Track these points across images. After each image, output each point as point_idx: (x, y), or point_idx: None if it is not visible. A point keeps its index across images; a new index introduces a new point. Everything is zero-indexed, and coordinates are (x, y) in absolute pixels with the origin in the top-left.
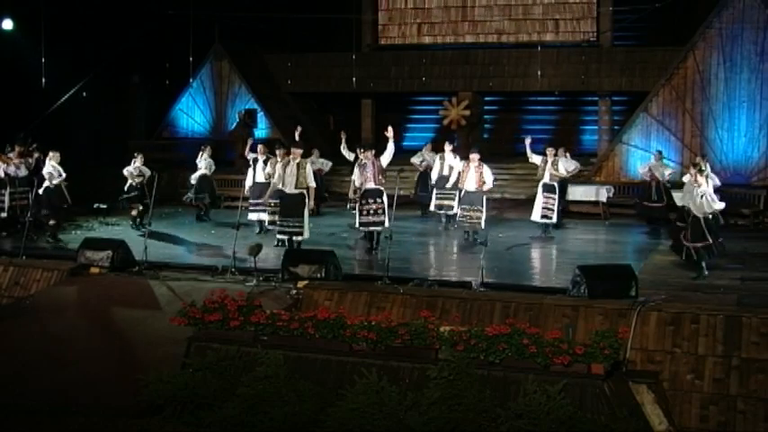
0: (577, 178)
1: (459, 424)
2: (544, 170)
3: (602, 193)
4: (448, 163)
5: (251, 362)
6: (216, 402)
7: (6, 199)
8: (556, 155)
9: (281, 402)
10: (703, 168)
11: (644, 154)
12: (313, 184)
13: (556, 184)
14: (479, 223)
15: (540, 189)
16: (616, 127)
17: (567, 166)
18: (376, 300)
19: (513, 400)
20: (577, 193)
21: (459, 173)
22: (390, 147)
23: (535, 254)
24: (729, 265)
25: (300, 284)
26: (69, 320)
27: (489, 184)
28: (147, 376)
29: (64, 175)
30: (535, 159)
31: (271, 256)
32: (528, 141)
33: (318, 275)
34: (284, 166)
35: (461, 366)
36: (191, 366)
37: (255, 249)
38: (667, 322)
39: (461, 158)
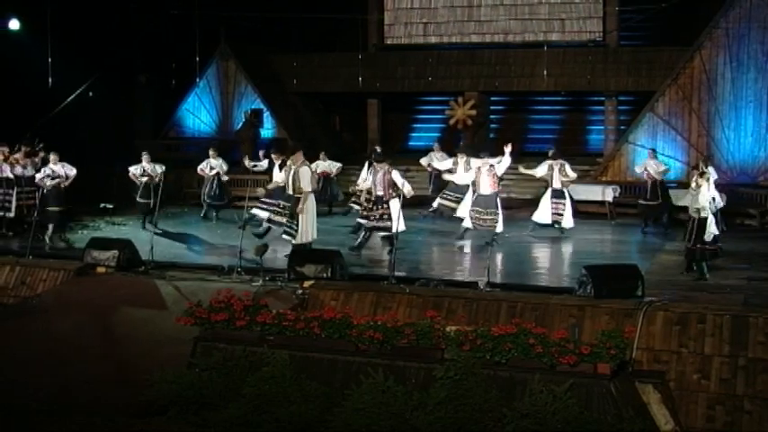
0: (584, 178)
1: (465, 424)
2: (552, 177)
3: (609, 193)
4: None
5: (257, 362)
6: (221, 402)
7: (13, 199)
8: (561, 161)
9: (287, 402)
10: (705, 171)
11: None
12: (308, 189)
13: (565, 190)
14: (495, 226)
15: (549, 194)
16: (622, 127)
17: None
18: (382, 300)
19: (519, 400)
20: (584, 192)
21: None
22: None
23: (541, 254)
24: (736, 264)
25: (306, 284)
26: (75, 320)
27: (506, 164)
28: (153, 376)
29: (72, 173)
30: (540, 172)
31: (277, 256)
32: (522, 168)
33: (324, 275)
34: (286, 172)
35: (467, 366)
36: (196, 366)
37: (262, 249)
38: (674, 322)
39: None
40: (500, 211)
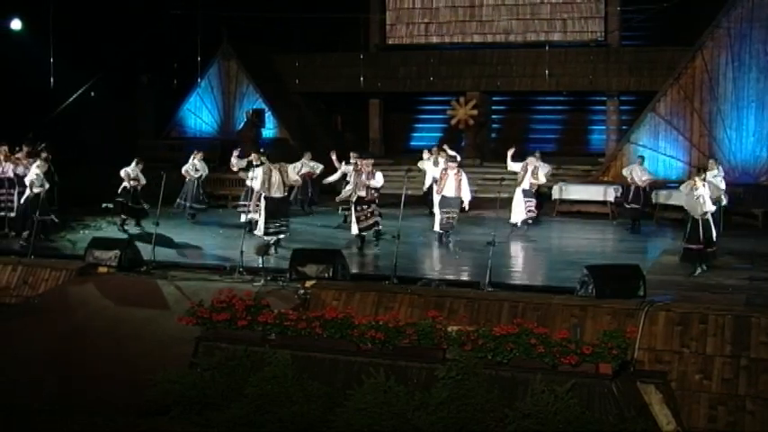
0: (585, 178)
1: (466, 424)
2: (524, 178)
3: (610, 193)
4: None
5: (259, 362)
6: (224, 402)
7: (15, 199)
8: (539, 161)
9: (289, 402)
10: (709, 170)
11: (652, 154)
12: (296, 178)
13: (533, 190)
14: (454, 223)
15: (519, 194)
16: (624, 127)
17: (545, 171)
18: (384, 300)
19: (520, 400)
20: (585, 192)
21: (438, 179)
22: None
23: (543, 254)
24: (738, 264)
25: (308, 284)
26: (77, 320)
27: (467, 197)
28: (155, 376)
29: (47, 186)
30: (515, 167)
31: (278, 256)
32: (510, 152)
33: (326, 275)
34: (268, 174)
35: (469, 366)
36: (198, 366)
37: (263, 249)
38: (675, 322)
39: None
40: (458, 211)
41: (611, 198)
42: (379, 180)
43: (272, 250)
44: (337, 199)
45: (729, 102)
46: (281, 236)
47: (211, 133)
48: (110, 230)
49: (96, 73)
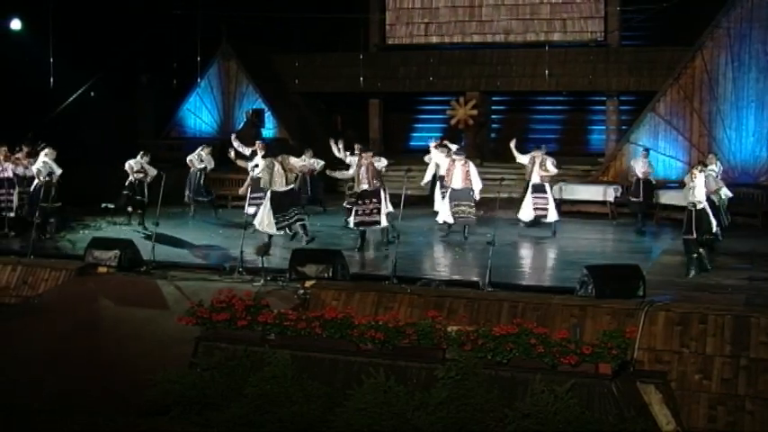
0: (585, 178)
1: (466, 424)
2: (532, 171)
3: (610, 193)
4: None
5: (258, 362)
6: (223, 402)
7: (15, 198)
8: (544, 154)
9: (289, 402)
10: (706, 164)
11: (652, 154)
12: (302, 163)
13: (546, 185)
14: (472, 218)
15: (529, 189)
16: (624, 127)
17: (551, 161)
18: (383, 300)
19: (520, 400)
20: (585, 192)
21: (445, 171)
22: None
23: (543, 254)
24: (738, 264)
25: (308, 284)
26: (77, 320)
27: (477, 186)
28: (155, 376)
29: (58, 172)
30: (522, 159)
31: (278, 255)
32: (513, 143)
33: (326, 275)
34: (270, 168)
35: (469, 366)
36: (198, 366)
37: (263, 249)
38: (675, 322)
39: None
40: (474, 204)
41: (611, 198)
42: (382, 162)
43: (304, 237)
44: (328, 171)
45: (729, 102)
46: (302, 221)
47: (211, 133)
48: (110, 230)
49: (96, 73)
